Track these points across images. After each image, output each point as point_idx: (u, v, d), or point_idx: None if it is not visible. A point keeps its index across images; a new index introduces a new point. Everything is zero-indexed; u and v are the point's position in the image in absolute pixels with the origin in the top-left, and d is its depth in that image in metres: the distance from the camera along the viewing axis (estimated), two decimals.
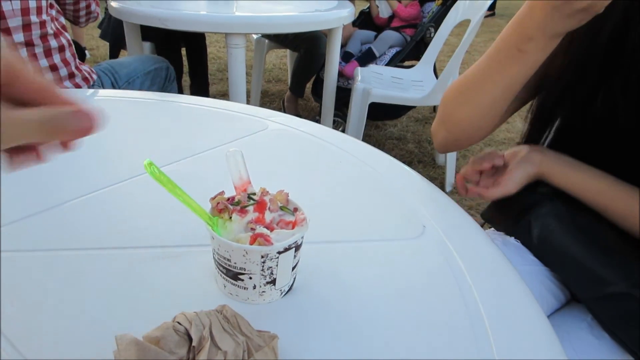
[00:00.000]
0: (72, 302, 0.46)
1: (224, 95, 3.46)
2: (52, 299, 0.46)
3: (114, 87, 1.75)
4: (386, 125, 3.07)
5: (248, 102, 2.59)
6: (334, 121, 2.64)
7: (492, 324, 0.48)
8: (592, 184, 0.73)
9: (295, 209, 0.49)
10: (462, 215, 0.67)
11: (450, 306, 0.50)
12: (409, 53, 2.71)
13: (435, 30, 2.53)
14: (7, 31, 1.30)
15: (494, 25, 6.96)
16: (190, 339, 0.37)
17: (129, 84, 1.83)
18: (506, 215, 0.86)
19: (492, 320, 0.48)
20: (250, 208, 0.47)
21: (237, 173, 0.50)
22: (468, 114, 0.76)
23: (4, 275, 0.49)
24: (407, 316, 0.48)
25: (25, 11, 1.29)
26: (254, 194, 0.48)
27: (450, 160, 2.38)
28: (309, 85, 3.08)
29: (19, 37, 1.32)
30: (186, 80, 3.17)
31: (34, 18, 1.31)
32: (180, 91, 2.73)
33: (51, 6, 1.40)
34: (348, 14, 2.21)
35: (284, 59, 4.38)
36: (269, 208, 0.48)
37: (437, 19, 2.58)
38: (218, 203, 0.47)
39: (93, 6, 1.75)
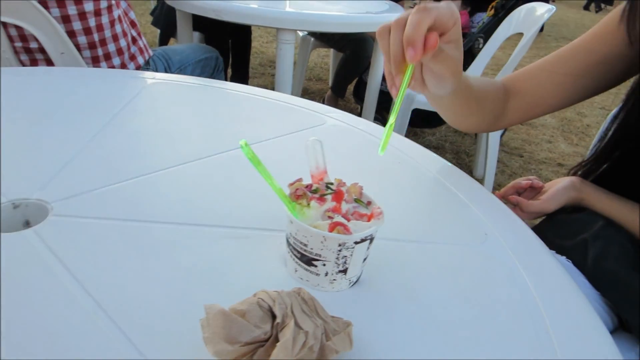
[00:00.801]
0: (154, 270, 0.48)
1: (265, 89, 3.49)
2: (135, 266, 0.48)
3: (166, 72, 1.80)
4: (424, 133, 3.05)
5: None
6: None
7: (557, 336, 0.47)
8: (627, 212, 0.78)
9: (369, 202, 0.50)
10: (522, 227, 0.66)
11: (513, 314, 0.50)
12: None
13: (485, 42, 2.50)
14: (79, 0, 1.36)
15: (542, 41, 6.85)
16: (273, 316, 0.38)
17: (180, 71, 1.87)
18: (560, 233, 0.85)
19: (557, 333, 0.48)
20: (329, 197, 0.48)
21: (314, 162, 0.51)
22: None
23: (89, 238, 0.51)
24: (470, 319, 0.48)
25: None
26: (332, 183, 0.49)
27: (488, 173, 2.35)
28: (349, 87, 3.09)
29: (89, 5, 1.38)
30: (228, 71, 3.22)
31: None
32: (225, 80, 2.78)
33: None
34: None
35: (326, 58, 4.41)
36: (345, 199, 0.48)
37: (487, 30, 2.55)
38: (297, 189, 0.48)
39: None
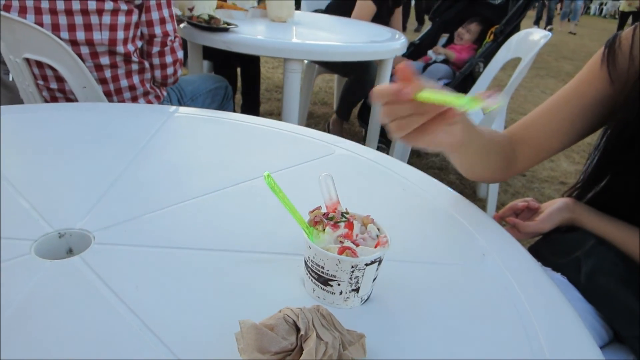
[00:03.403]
0: (190, 291, 0.55)
1: (271, 114, 3.59)
2: (173, 287, 0.55)
3: (179, 103, 1.88)
4: (428, 155, 3.12)
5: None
6: (378, 147, 2.72)
7: (550, 349, 0.53)
8: (617, 231, 0.83)
9: (379, 229, 0.56)
10: (517, 247, 0.72)
11: (509, 328, 0.55)
12: (456, 86, 2.77)
13: (485, 65, 2.59)
14: (95, 55, 1.43)
15: (541, 61, 6.96)
16: (297, 329, 0.44)
17: (192, 101, 1.96)
18: (555, 251, 0.91)
19: (549, 346, 0.53)
20: (342, 224, 0.54)
21: (327, 194, 0.57)
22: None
23: (129, 264, 0.58)
24: (469, 332, 0.54)
25: (112, 42, 1.42)
26: (347, 213, 0.56)
27: (492, 193, 2.41)
28: (354, 110, 3.18)
29: (105, 60, 1.45)
30: (237, 97, 3.32)
31: (119, 49, 1.44)
32: (234, 108, 2.87)
33: (141, 37, 1.52)
34: (401, 46, 2.31)
35: (331, 82, 4.51)
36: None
37: (487, 55, 2.64)
38: (315, 216, 0.55)
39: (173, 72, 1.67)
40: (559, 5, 12.88)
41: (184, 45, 2.50)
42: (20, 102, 1.63)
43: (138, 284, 0.55)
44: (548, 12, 10.62)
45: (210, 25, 2.02)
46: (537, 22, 10.96)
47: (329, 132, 3.12)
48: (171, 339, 0.48)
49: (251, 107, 3.14)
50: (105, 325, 0.49)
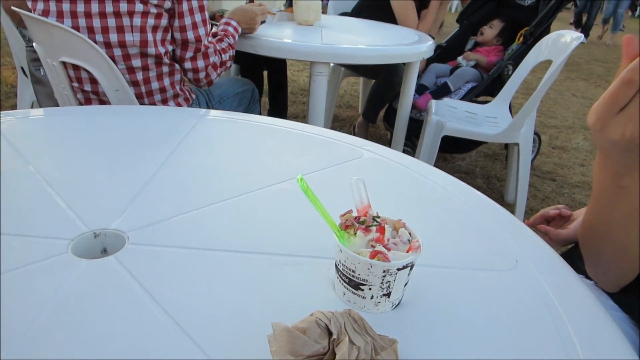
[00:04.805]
0: (222, 292, 0.55)
1: (297, 117, 3.61)
2: (206, 289, 0.56)
3: (208, 106, 1.91)
4: (454, 159, 3.08)
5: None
6: (404, 150, 2.70)
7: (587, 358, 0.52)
8: None
9: (410, 234, 0.56)
10: (551, 253, 0.71)
11: (544, 336, 0.54)
12: (484, 89, 2.73)
13: (514, 68, 2.55)
14: (127, 57, 1.46)
15: (572, 64, 6.81)
16: (329, 333, 0.44)
17: (220, 104, 1.98)
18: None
19: (587, 356, 0.52)
20: (373, 228, 0.54)
21: (359, 198, 0.57)
22: (614, 255, 0.74)
23: (162, 265, 0.59)
24: (502, 340, 0.53)
25: (143, 44, 1.45)
26: (379, 217, 0.56)
27: (520, 198, 2.36)
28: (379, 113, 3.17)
29: (136, 62, 1.48)
30: (264, 100, 3.35)
31: (151, 50, 1.47)
32: (260, 112, 2.89)
33: (172, 42, 1.55)
34: (427, 48, 2.29)
35: (356, 85, 4.51)
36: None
37: (517, 57, 2.60)
38: (347, 219, 0.55)
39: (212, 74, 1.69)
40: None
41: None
42: (52, 93, 1.67)
43: (171, 284, 0.55)
44: (587, 19, 10.03)
45: None
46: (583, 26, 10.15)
47: (354, 135, 3.12)
48: (204, 340, 0.48)
49: (279, 110, 3.16)
50: (139, 325, 0.50)
